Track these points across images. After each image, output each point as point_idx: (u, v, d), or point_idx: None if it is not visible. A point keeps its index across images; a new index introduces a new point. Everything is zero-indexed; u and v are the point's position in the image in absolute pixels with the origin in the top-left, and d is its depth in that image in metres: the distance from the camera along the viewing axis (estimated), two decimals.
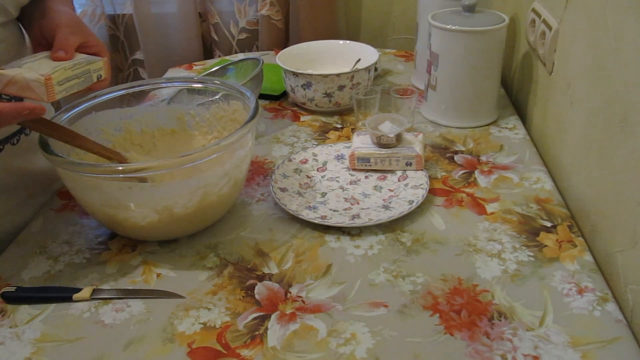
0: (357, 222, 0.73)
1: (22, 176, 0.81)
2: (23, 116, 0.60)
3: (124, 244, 0.74)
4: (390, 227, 0.74)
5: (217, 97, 0.82)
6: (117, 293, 0.65)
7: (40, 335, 0.61)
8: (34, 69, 0.61)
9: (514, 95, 1.11)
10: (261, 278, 0.67)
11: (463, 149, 0.92)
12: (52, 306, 0.64)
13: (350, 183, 0.83)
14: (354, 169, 0.86)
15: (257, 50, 1.51)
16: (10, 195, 0.80)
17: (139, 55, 1.55)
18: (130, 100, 0.82)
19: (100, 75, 0.68)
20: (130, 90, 0.81)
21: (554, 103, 0.88)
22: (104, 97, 0.79)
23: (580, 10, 0.78)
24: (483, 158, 0.89)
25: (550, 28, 0.87)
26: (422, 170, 0.83)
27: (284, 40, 1.49)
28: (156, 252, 0.72)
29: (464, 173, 0.85)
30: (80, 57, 0.67)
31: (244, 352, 0.57)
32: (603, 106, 0.69)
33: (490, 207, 0.77)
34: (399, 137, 0.84)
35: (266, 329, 0.60)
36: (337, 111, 1.06)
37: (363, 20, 1.52)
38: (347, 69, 1.04)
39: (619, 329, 0.58)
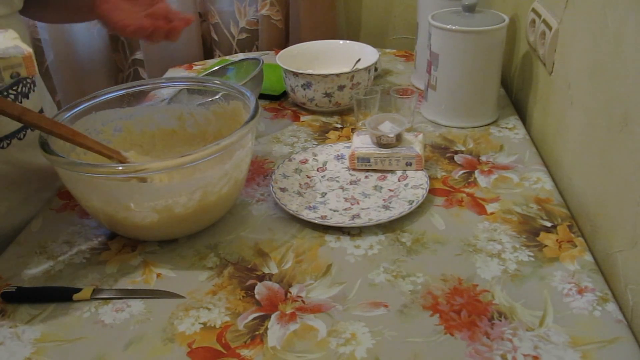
0: (357, 222, 0.73)
1: (29, 171, 0.81)
2: None
3: (124, 244, 0.74)
4: (390, 227, 0.74)
5: (217, 97, 0.82)
6: (117, 293, 0.65)
7: (40, 335, 0.61)
8: None
9: (514, 95, 1.11)
10: (261, 278, 0.67)
11: (463, 149, 0.92)
12: (52, 306, 0.64)
13: (350, 183, 0.83)
14: (354, 169, 0.86)
15: (257, 50, 1.51)
16: (17, 189, 0.80)
17: (139, 55, 1.55)
18: (130, 100, 0.82)
19: (18, 74, 0.57)
20: (130, 90, 0.82)
21: (554, 103, 0.88)
22: (104, 97, 0.79)
23: (580, 10, 0.78)
24: (483, 158, 0.89)
25: (550, 28, 0.87)
26: (422, 170, 0.83)
27: (284, 40, 1.49)
28: (156, 252, 0.72)
29: (464, 173, 0.85)
30: None
31: (244, 352, 0.57)
32: (603, 106, 0.69)
33: (490, 207, 0.77)
34: (399, 137, 0.84)
35: (266, 329, 0.60)
36: (337, 111, 1.06)
37: (363, 20, 1.52)
38: (347, 69, 1.04)
39: (619, 329, 0.58)
